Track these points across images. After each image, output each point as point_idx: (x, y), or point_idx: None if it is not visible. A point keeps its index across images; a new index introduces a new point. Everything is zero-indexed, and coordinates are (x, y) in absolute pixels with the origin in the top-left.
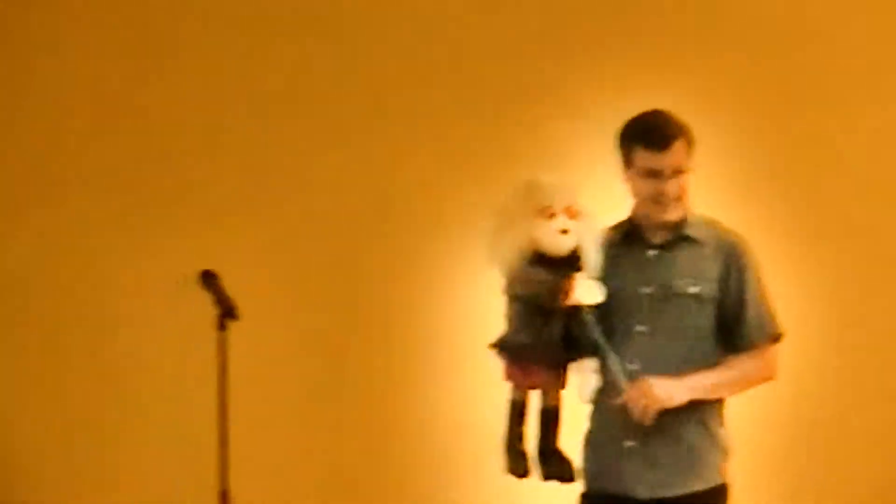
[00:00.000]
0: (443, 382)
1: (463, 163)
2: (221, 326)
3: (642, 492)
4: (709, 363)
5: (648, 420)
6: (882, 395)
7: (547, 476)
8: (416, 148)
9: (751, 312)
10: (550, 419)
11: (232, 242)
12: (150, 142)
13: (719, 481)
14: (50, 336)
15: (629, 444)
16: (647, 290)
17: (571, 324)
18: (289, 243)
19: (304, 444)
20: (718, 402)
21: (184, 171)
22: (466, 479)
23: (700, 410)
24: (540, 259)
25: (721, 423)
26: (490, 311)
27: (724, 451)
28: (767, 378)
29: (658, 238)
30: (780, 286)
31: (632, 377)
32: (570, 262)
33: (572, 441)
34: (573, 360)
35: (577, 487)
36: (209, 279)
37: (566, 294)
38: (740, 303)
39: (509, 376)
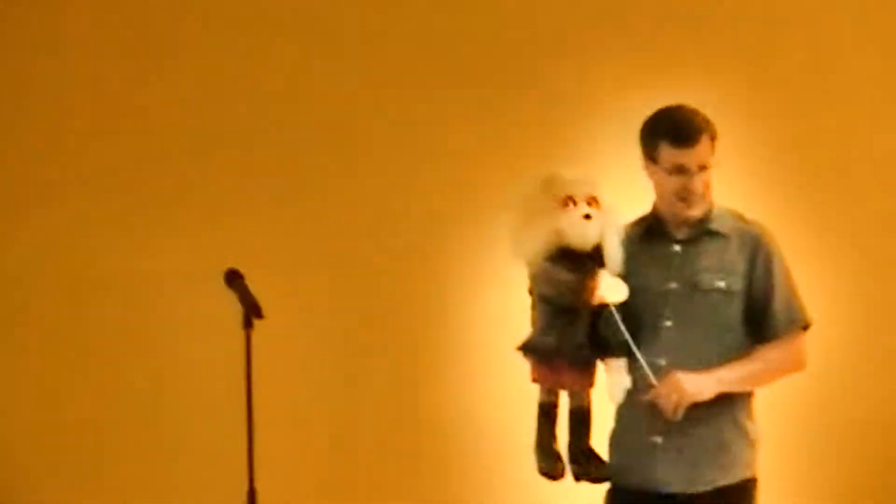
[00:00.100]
0: (470, 381)
1: (488, 161)
2: (247, 325)
3: (672, 487)
4: (737, 355)
5: (678, 415)
6: None
7: (579, 476)
8: (441, 147)
9: (778, 302)
10: (581, 419)
11: (257, 241)
12: (176, 141)
13: (748, 475)
14: (75, 336)
15: (658, 439)
16: (673, 285)
17: (597, 322)
18: (314, 242)
19: (330, 443)
20: (747, 394)
21: (208, 171)
22: (492, 479)
23: (729, 404)
24: (563, 255)
25: (750, 416)
26: (517, 311)
27: (753, 445)
28: (796, 368)
29: (682, 233)
30: (806, 279)
31: (660, 373)
32: (593, 259)
33: (598, 439)
34: (601, 359)
35: (605, 485)
36: (234, 278)
37: (591, 293)
38: (767, 293)
39: (537, 378)
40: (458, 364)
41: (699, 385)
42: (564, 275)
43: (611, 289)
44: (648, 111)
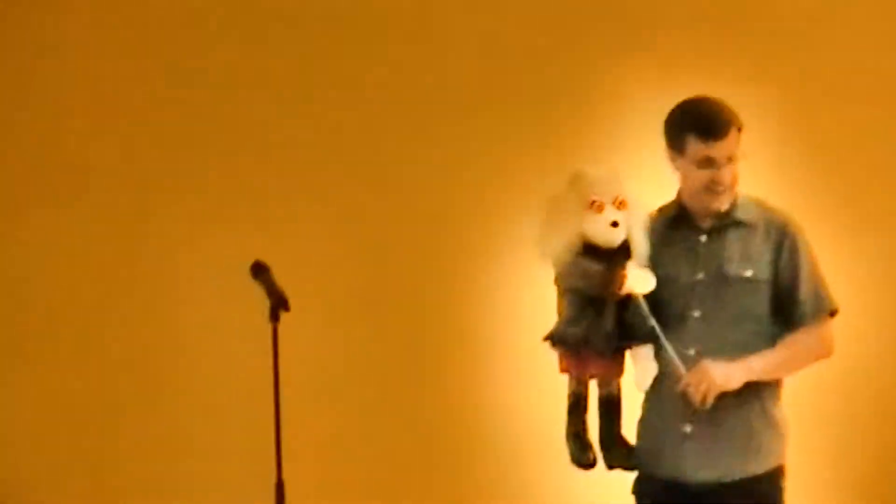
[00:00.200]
0: (499, 373)
1: (514, 156)
2: (273, 318)
3: (701, 476)
4: (765, 344)
5: (707, 404)
6: None
7: (611, 464)
8: (467, 143)
9: (804, 290)
10: (611, 407)
11: (284, 234)
12: (204, 134)
13: (777, 463)
14: (102, 329)
15: (688, 428)
16: (701, 275)
17: (625, 313)
18: (342, 234)
19: (358, 435)
20: (776, 382)
21: (236, 164)
22: (523, 469)
23: (758, 392)
24: (590, 250)
25: (778, 405)
26: (544, 303)
27: (782, 433)
28: (824, 355)
29: (708, 223)
30: (833, 267)
31: (688, 362)
32: (620, 251)
33: (628, 427)
34: (628, 348)
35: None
36: (261, 271)
37: (619, 284)
38: (794, 281)
39: (566, 368)
40: (486, 357)
41: (728, 374)
42: (592, 266)
43: (638, 278)
44: (674, 103)
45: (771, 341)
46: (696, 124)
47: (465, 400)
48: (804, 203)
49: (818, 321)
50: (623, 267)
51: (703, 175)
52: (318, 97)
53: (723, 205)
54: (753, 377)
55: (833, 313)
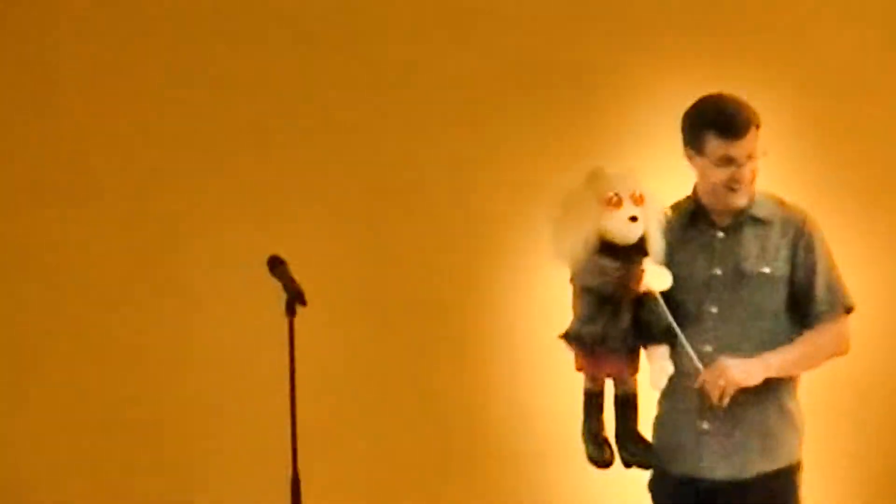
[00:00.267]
0: (515, 371)
1: (532, 154)
2: (290, 312)
3: (719, 473)
4: (782, 341)
5: (725, 401)
6: None
7: (628, 462)
8: (485, 140)
9: (820, 286)
10: (628, 405)
11: (300, 228)
12: (220, 129)
13: (793, 460)
14: (119, 324)
15: (706, 425)
16: (718, 272)
17: (641, 310)
18: (358, 229)
19: (374, 431)
20: (793, 379)
21: (253, 158)
22: (539, 467)
23: (775, 389)
24: (606, 247)
25: (795, 401)
26: (560, 301)
27: (798, 430)
28: (840, 352)
29: (725, 219)
30: (850, 264)
31: (705, 359)
32: (637, 248)
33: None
34: (644, 346)
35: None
36: (277, 265)
37: (636, 281)
38: (811, 278)
39: (582, 367)
40: (502, 354)
41: (746, 370)
42: (609, 264)
43: (655, 275)
44: (690, 100)
45: (786, 337)
46: (716, 123)
47: (481, 398)
48: (819, 200)
49: (834, 318)
50: (639, 264)
51: (723, 173)
52: (334, 97)
53: (742, 202)
54: (771, 374)
55: (849, 310)
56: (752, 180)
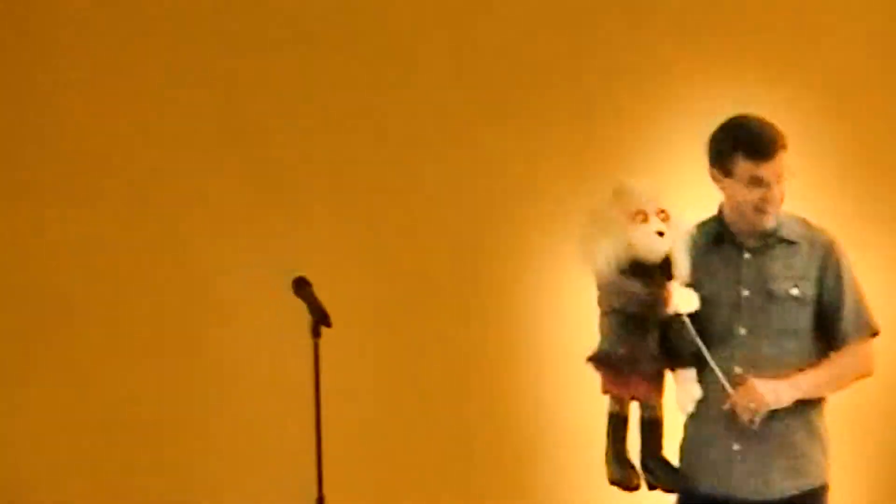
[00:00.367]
0: (539, 390)
1: (556, 167)
2: (315, 333)
3: (749, 494)
4: (810, 362)
5: (756, 423)
6: None
7: (652, 485)
8: (510, 153)
9: (848, 309)
10: (653, 428)
11: (325, 249)
12: (247, 148)
13: (821, 482)
14: (144, 344)
15: (736, 447)
16: (746, 293)
17: (668, 333)
18: (383, 250)
19: (399, 451)
20: (821, 400)
21: (279, 179)
22: (563, 488)
23: (805, 410)
24: (633, 268)
25: (823, 421)
26: (586, 317)
27: (826, 450)
28: (865, 374)
29: (752, 240)
30: (872, 286)
31: (735, 381)
32: (663, 270)
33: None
34: (671, 369)
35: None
36: (302, 286)
37: (663, 304)
38: (838, 300)
39: (608, 389)
40: (527, 372)
41: (777, 392)
42: (635, 286)
43: (683, 297)
44: (716, 117)
45: (811, 357)
46: (745, 144)
47: (508, 416)
48: (844, 224)
49: (860, 341)
50: (665, 286)
51: (753, 194)
52: (359, 110)
53: (770, 224)
54: (801, 395)
55: (875, 334)
56: (781, 202)
